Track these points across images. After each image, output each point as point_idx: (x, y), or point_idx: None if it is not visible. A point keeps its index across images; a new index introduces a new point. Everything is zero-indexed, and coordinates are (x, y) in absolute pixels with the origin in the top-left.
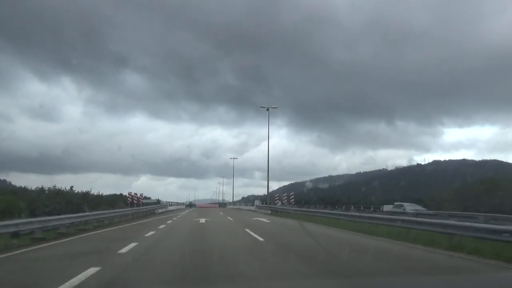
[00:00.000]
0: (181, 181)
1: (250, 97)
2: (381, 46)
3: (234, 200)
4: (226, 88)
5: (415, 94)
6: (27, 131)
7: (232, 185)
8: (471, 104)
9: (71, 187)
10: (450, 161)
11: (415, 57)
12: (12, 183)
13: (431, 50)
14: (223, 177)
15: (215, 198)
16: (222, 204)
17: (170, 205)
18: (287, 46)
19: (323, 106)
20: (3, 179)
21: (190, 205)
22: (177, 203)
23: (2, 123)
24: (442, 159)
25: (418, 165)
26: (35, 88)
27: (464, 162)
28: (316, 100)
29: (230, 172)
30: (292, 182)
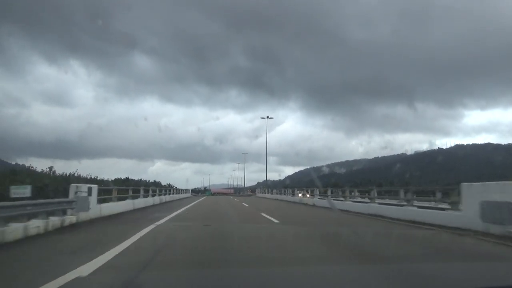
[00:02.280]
0: (196, 166)
1: (263, 79)
2: (400, 23)
3: (263, 184)
4: (237, 70)
5: (436, 74)
6: (42, 116)
7: (266, 159)
8: (495, 85)
9: (51, 168)
10: (474, 145)
11: (436, 34)
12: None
13: (454, 26)
14: (245, 153)
15: (230, 184)
16: (241, 190)
17: (154, 195)
18: (301, 25)
19: (338, 88)
20: (22, 164)
21: (205, 190)
22: (170, 187)
23: (18, 108)
24: (464, 143)
25: (440, 149)
26: (45, 71)
27: (490, 146)
28: (331, 82)
29: (244, 157)
30: (308, 167)
